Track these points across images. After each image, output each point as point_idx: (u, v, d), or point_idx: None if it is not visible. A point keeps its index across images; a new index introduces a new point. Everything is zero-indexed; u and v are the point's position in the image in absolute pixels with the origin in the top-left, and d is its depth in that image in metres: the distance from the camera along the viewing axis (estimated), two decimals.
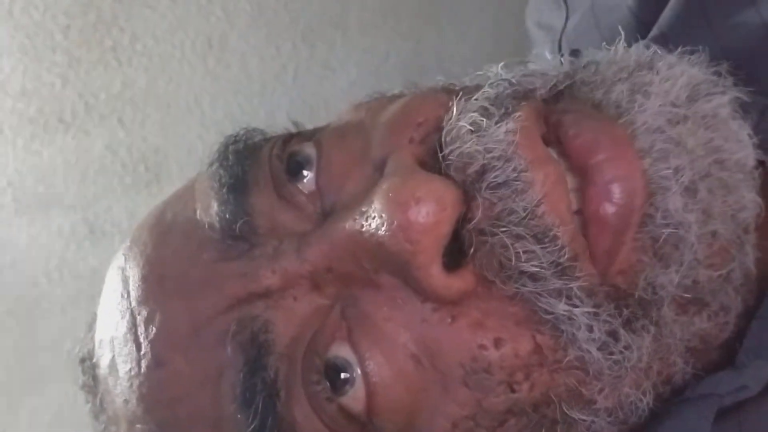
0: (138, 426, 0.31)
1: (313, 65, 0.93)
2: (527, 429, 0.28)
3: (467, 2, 0.98)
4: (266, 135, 0.34)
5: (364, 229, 0.27)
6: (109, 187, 0.90)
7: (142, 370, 0.30)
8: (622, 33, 0.39)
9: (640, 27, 0.43)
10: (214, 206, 0.31)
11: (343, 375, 0.28)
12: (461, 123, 0.28)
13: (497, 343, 0.27)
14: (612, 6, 0.44)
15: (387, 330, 0.28)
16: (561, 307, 0.26)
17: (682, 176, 0.27)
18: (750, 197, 0.29)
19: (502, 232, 0.26)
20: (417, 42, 0.97)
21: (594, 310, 0.27)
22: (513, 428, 0.28)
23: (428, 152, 0.29)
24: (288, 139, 0.33)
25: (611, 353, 0.27)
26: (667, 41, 0.38)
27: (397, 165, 0.28)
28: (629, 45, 0.42)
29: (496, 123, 0.27)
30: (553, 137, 0.29)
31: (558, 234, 0.26)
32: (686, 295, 0.28)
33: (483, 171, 0.27)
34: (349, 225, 0.28)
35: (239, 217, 0.30)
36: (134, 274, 0.31)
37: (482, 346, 0.27)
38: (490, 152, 0.27)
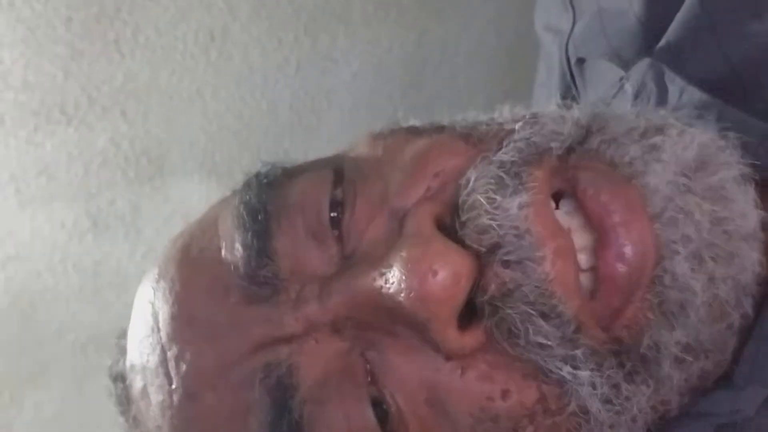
0: None
1: (315, 57, 0.93)
2: None
3: None
4: (287, 168, 0.35)
5: (383, 290, 0.29)
6: (112, 180, 0.90)
7: (174, 403, 0.32)
8: (629, 40, 0.41)
9: (647, 35, 0.44)
10: (239, 250, 0.32)
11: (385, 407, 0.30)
12: (477, 196, 0.29)
13: (504, 394, 0.29)
14: (618, 12, 0.45)
15: (405, 375, 0.30)
16: (566, 370, 0.28)
17: (689, 244, 0.29)
18: (753, 259, 0.30)
19: (511, 308, 0.28)
20: (420, 34, 0.97)
21: (597, 368, 0.28)
22: None
23: (446, 210, 0.30)
24: (317, 175, 0.34)
25: (612, 404, 0.29)
26: (674, 52, 0.40)
27: (416, 228, 0.29)
28: (635, 53, 0.44)
29: (510, 195, 0.29)
30: (569, 189, 0.30)
31: (565, 310, 0.28)
32: (687, 354, 0.29)
33: (497, 245, 0.28)
34: (369, 283, 0.29)
35: (263, 265, 0.31)
36: (164, 311, 0.33)
37: (490, 398, 0.29)
38: (503, 228, 0.28)
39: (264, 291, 0.31)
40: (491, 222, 0.28)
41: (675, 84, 0.39)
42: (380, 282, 0.29)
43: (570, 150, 0.31)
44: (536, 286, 0.28)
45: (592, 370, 0.28)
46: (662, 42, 0.42)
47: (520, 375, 0.29)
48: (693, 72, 0.39)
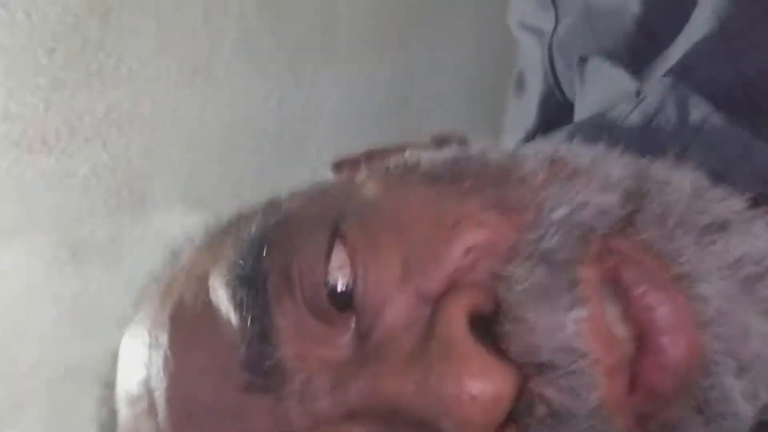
0: None
1: (298, 88, 0.93)
2: None
3: (450, 24, 0.99)
4: (279, 219, 0.32)
5: (413, 399, 0.27)
6: (92, 210, 0.89)
7: None
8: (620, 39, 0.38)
9: (644, 37, 0.42)
10: (237, 334, 0.29)
11: None
12: (525, 310, 0.27)
13: None
14: (609, 12, 0.43)
15: None
16: None
17: (738, 356, 0.27)
18: None
19: (560, 429, 0.27)
20: (403, 61, 0.98)
21: None
22: None
23: (482, 302, 0.27)
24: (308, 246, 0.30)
25: None
26: (687, 70, 0.38)
27: (451, 334, 0.27)
28: (628, 56, 0.42)
29: (565, 310, 0.26)
30: (610, 279, 0.28)
31: (617, 430, 0.27)
32: None
33: (546, 365, 0.26)
34: (397, 387, 0.27)
35: (265, 354, 0.28)
36: (161, 392, 0.31)
37: None
38: (557, 350, 0.26)
39: (266, 380, 0.28)
40: (543, 342, 0.26)
41: (699, 109, 0.37)
42: (410, 388, 0.27)
43: (614, 227, 0.28)
44: (590, 416, 0.26)
45: None
46: (674, 61, 0.39)
47: None
48: (703, 89, 0.37)
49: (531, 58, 0.50)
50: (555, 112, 0.48)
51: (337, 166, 0.39)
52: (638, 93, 0.39)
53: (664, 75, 0.38)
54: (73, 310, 0.91)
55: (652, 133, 0.36)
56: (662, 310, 0.27)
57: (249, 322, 0.29)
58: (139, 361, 0.33)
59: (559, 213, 0.28)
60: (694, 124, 0.36)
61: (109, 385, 0.36)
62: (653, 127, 0.37)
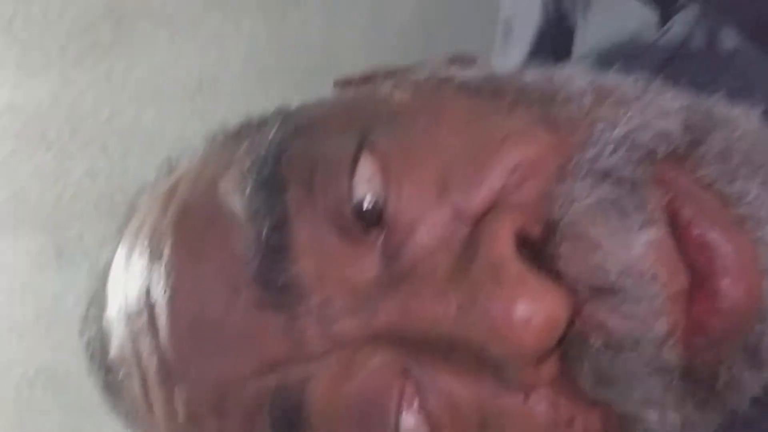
0: None
1: None
2: None
3: None
4: (300, 123, 0.29)
5: (454, 322, 0.25)
6: (83, 213, 0.88)
7: (179, 421, 0.28)
8: None
9: None
10: (250, 246, 0.26)
11: None
12: (589, 226, 0.24)
13: (569, 423, 0.26)
14: None
15: (457, 398, 0.26)
16: (647, 412, 0.25)
17: None
18: None
19: (620, 361, 0.25)
20: None
21: (676, 407, 0.26)
22: None
23: (531, 223, 0.25)
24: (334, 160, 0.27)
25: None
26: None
27: (499, 254, 0.24)
28: None
29: (637, 230, 0.24)
30: (669, 211, 0.26)
31: (676, 363, 0.25)
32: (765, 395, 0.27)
33: (609, 290, 0.24)
34: (435, 309, 0.25)
35: (281, 268, 0.26)
36: (162, 307, 0.28)
37: (555, 425, 0.26)
38: (623, 272, 0.24)
39: (280, 297, 0.26)
40: (607, 263, 0.24)
41: (730, 39, 0.35)
42: (448, 313, 0.25)
43: (673, 155, 0.26)
44: (655, 344, 0.24)
45: (674, 410, 0.26)
46: None
47: (586, 404, 0.26)
48: (732, 17, 0.36)
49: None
50: (550, 47, 0.45)
51: (341, 84, 0.35)
52: (662, 22, 0.38)
53: (691, 2, 0.37)
54: (52, 312, 0.89)
55: (681, 61, 0.34)
56: (723, 251, 0.25)
57: (264, 232, 0.26)
58: (136, 273, 0.29)
59: (617, 132, 0.26)
60: (725, 52, 0.35)
61: (97, 302, 0.33)
62: (681, 55, 0.36)
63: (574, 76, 0.29)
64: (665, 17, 0.37)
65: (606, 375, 0.25)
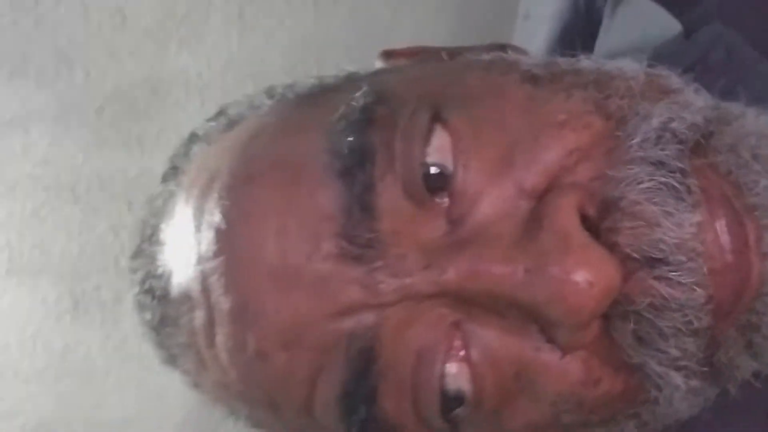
0: (232, 389, 0.32)
1: None
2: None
3: None
4: (380, 93, 0.31)
5: (523, 287, 0.27)
6: (103, 266, 0.91)
7: (245, 355, 0.30)
8: None
9: None
10: (338, 201, 0.29)
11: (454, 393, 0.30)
12: (648, 205, 0.28)
13: (596, 382, 0.29)
14: None
15: (501, 349, 0.29)
16: (671, 374, 0.28)
17: None
18: None
19: (664, 322, 0.28)
20: None
21: (700, 378, 0.29)
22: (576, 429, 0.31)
23: (590, 202, 0.28)
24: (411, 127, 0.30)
25: (687, 400, 0.30)
26: (720, 13, 0.40)
27: (565, 226, 0.28)
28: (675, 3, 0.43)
29: (688, 211, 0.28)
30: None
31: (707, 327, 0.28)
32: (755, 378, 0.30)
33: (660, 260, 0.27)
34: (501, 270, 0.28)
35: (365, 225, 0.28)
36: (243, 253, 0.30)
37: (583, 384, 0.29)
38: (676, 246, 0.27)
39: (361, 251, 0.28)
40: (663, 237, 0.27)
41: (747, 55, 0.38)
42: (516, 275, 0.27)
43: (695, 147, 0.30)
44: (696, 309, 0.28)
45: (696, 378, 0.29)
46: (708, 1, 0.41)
47: (615, 366, 0.29)
48: (748, 36, 0.39)
49: None
50: (578, 43, 0.48)
51: (387, 54, 0.38)
52: (686, 35, 0.41)
53: (714, 20, 0.41)
54: (61, 363, 0.90)
55: (701, 71, 0.36)
56: (733, 234, 0.28)
57: (354, 193, 0.29)
58: (211, 219, 0.31)
59: (658, 121, 0.29)
60: (742, 66, 0.38)
61: (152, 239, 0.35)
62: (702, 65, 0.38)
63: (623, 66, 0.32)
64: (688, 30, 0.41)
65: (647, 334, 0.28)
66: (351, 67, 0.35)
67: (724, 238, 0.28)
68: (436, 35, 0.95)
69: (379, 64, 0.38)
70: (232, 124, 0.35)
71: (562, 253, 0.27)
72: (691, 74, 0.34)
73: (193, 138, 0.37)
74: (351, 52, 0.94)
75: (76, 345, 0.89)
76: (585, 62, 0.33)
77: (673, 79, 0.32)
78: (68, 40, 0.87)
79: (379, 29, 0.94)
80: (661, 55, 0.39)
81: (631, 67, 0.32)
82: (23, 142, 0.88)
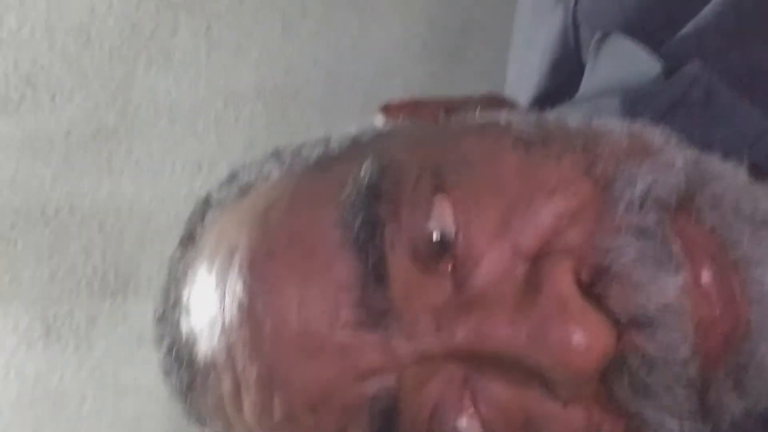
0: None
1: None
2: None
3: None
4: (383, 166, 0.33)
5: (526, 349, 0.29)
6: (74, 289, 0.90)
7: (273, 419, 0.32)
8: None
9: (664, 9, 0.45)
10: (353, 274, 0.31)
11: None
12: (633, 270, 0.30)
13: (598, 428, 0.31)
14: None
15: (507, 405, 0.31)
16: (674, 425, 0.31)
17: None
18: None
19: (656, 378, 0.30)
20: None
21: (687, 417, 0.31)
22: None
23: (583, 268, 0.30)
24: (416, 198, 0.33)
25: None
26: (699, 47, 0.42)
27: (561, 291, 0.30)
28: (653, 30, 0.45)
29: (670, 275, 0.30)
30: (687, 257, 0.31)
31: (698, 377, 0.30)
32: (747, 417, 0.32)
33: (646, 322, 0.30)
34: (504, 332, 0.30)
35: (379, 294, 0.31)
36: (267, 324, 0.32)
37: (587, 429, 0.31)
38: (659, 308, 0.29)
39: (377, 318, 0.31)
40: (647, 301, 0.29)
41: (726, 95, 0.40)
42: (519, 338, 0.30)
43: (678, 206, 0.32)
44: (684, 364, 0.30)
45: (690, 420, 0.31)
46: (690, 29, 0.43)
47: (615, 414, 0.31)
48: (714, 67, 0.41)
49: (545, 19, 0.52)
50: (566, 77, 0.51)
51: (386, 110, 0.41)
52: (666, 73, 0.43)
53: (693, 58, 0.43)
54: (34, 391, 0.89)
55: (681, 111, 0.40)
56: (721, 289, 0.30)
57: (369, 265, 0.31)
58: (234, 290, 0.33)
59: (641, 187, 0.31)
60: (720, 107, 0.40)
61: (176, 307, 0.36)
62: (682, 105, 0.41)
63: (609, 125, 0.35)
64: (668, 70, 0.43)
65: (640, 387, 0.30)
66: (353, 130, 0.37)
67: (711, 293, 0.30)
68: (405, 45, 0.95)
69: (378, 119, 0.40)
70: (243, 192, 0.37)
71: (561, 319, 0.29)
72: (671, 115, 0.36)
73: (206, 204, 0.38)
74: (320, 64, 0.93)
75: (49, 372, 0.87)
76: (573, 122, 0.35)
77: (655, 136, 0.34)
78: (32, 63, 0.85)
79: (347, 41, 0.94)
80: (641, 95, 0.42)
81: (616, 125, 0.34)
82: None
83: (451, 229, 0.31)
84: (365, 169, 0.32)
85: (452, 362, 0.31)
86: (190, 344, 0.35)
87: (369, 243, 0.31)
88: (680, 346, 0.30)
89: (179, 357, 0.36)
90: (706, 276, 0.30)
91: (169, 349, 0.37)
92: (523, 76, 0.54)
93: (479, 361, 0.31)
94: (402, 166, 0.33)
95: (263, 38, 0.93)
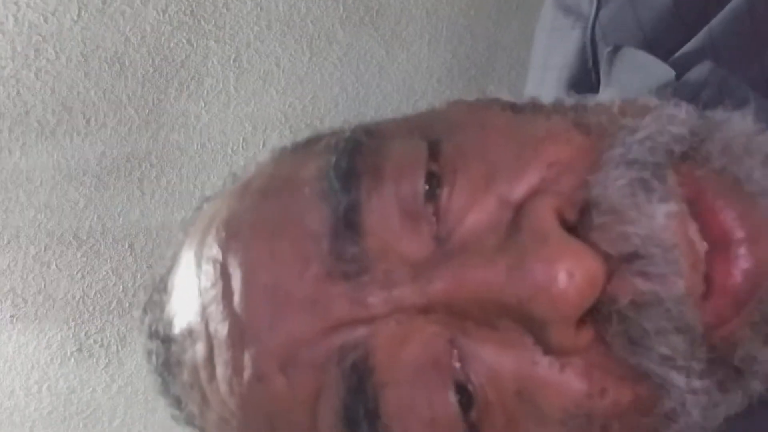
0: (233, 423, 0.32)
1: None
2: None
3: None
4: (371, 130, 0.33)
5: (502, 285, 0.28)
6: (106, 308, 0.92)
7: (243, 381, 0.30)
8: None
9: (682, 26, 0.44)
10: (325, 222, 0.30)
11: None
12: (619, 200, 0.28)
13: (602, 393, 0.29)
14: (652, 1, 0.46)
15: (497, 366, 0.29)
16: (676, 378, 0.28)
17: None
18: None
19: (647, 320, 0.28)
20: None
21: (702, 377, 0.28)
22: None
23: (567, 206, 0.29)
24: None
25: (705, 410, 0.29)
26: (714, 54, 0.41)
27: (541, 223, 0.28)
28: (671, 46, 0.45)
29: (658, 201, 0.28)
30: (691, 197, 0.29)
31: (697, 325, 0.28)
32: None
33: (635, 255, 0.27)
34: (484, 275, 0.28)
35: (351, 242, 0.29)
36: (238, 277, 0.31)
37: (588, 395, 0.29)
38: (648, 238, 0.27)
39: (348, 268, 0.29)
40: (635, 230, 0.27)
41: (740, 91, 0.39)
42: (498, 275, 0.28)
43: (685, 156, 0.30)
44: (676, 302, 0.27)
45: (699, 378, 0.28)
46: (704, 41, 0.42)
47: (618, 374, 0.28)
48: (743, 73, 0.40)
49: (564, 40, 0.51)
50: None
51: None
52: (678, 78, 0.42)
53: (706, 59, 0.41)
54: (65, 406, 0.91)
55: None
56: (745, 220, 0.28)
57: (340, 211, 0.30)
58: (210, 255, 0.32)
59: (639, 135, 0.30)
60: (734, 103, 0.38)
61: (161, 288, 0.36)
62: (695, 104, 0.39)
63: (602, 97, 0.33)
64: (680, 74, 0.42)
65: (634, 333, 0.28)
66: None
67: (732, 230, 0.28)
68: (430, 70, 0.97)
69: None
70: (236, 180, 0.36)
71: (540, 247, 0.27)
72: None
73: (204, 198, 0.38)
74: (346, 90, 0.95)
75: (81, 388, 0.89)
76: (569, 99, 0.34)
77: (650, 98, 0.32)
78: (69, 90, 0.89)
79: (373, 66, 0.96)
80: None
81: (608, 97, 0.33)
82: (27, 190, 0.90)
83: (436, 182, 0.30)
84: (350, 129, 0.32)
85: (434, 321, 0.29)
86: (169, 319, 0.34)
87: (342, 191, 0.30)
88: (671, 279, 0.27)
89: (157, 333, 0.35)
90: (725, 214, 0.28)
91: (149, 329, 0.36)
92: (540, 95, 0.55)
93: (464, 318, 0.29)
94: (390, 127, 0.33)
95: (290, 65, 0.96)
